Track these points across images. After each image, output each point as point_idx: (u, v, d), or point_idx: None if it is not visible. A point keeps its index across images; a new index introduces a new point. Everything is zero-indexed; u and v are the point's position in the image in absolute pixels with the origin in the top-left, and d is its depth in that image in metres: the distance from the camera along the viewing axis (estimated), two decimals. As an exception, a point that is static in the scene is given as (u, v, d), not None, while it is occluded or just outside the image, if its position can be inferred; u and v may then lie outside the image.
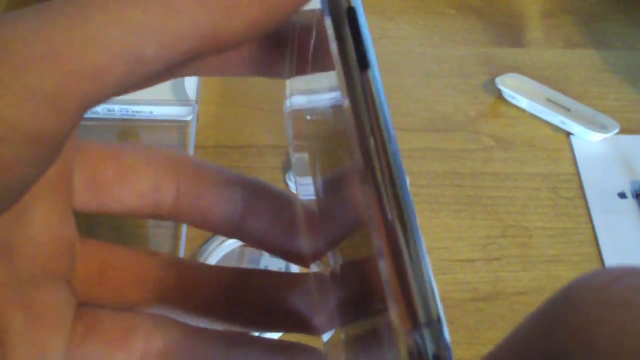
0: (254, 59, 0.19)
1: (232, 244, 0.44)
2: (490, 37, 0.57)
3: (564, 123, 0.51)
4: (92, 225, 0.46)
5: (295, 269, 0.43)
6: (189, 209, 0.20)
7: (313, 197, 0.24)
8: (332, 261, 0.20)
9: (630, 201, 0.49)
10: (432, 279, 0.15)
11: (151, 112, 0.50)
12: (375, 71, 0.15)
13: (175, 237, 0.45)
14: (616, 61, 0.56)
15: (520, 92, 0.52)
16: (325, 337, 0.20)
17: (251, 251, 0.44)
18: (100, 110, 0.50)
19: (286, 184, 0.47)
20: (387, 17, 0.56)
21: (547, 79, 0.54)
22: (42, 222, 0.18)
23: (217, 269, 0.20)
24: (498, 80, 0.53)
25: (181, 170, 0.19)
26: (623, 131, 0.51)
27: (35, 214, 0.18)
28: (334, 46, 0.15)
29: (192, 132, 0.49)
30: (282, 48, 0.19)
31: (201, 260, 0.43)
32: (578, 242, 0.48)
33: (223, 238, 0.44)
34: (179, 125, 0.50)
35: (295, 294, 0.20)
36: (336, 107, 0.18)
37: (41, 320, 0.17)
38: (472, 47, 0.56)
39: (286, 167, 0.48)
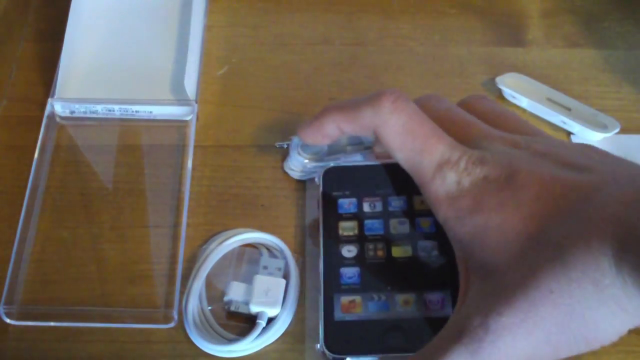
0: None
1: (232, 243, 0.44)
2: (490, 37, 0.57)
3: (564, 122, 0.51)
4: (92, 225, 0.46)
5: (293, 268, 0.43)
6: None
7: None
8: None
9: (630, 201, 0.49)
10: None
11: (151, 112, 0.50)
12: None
13: (175, 237, 0.45)
14: (616, 61, 0.56)
15: (520, 92, 0.52)
16: None
17: (251, 251, 0.44)
18: (100, 110, 0.50)
19: (285, 172, 0.47)
20: (387, 16, 0.56)
21: (547, 79, 0.53)
22: None
23: None
24: (498, 79, 0.53)
25: None
26: (623, 131, 0.50)
27: None
28: None
29: (192, 132, 0.49)
30: None
31: (201, 260, 0.43)
32: (578, 242, 0.47)
33: (223, 238, 0.44)
34: (179, 125, 0.50)
35: None
36: None
37: None
38: (473, 47, 0.56)
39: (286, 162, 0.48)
